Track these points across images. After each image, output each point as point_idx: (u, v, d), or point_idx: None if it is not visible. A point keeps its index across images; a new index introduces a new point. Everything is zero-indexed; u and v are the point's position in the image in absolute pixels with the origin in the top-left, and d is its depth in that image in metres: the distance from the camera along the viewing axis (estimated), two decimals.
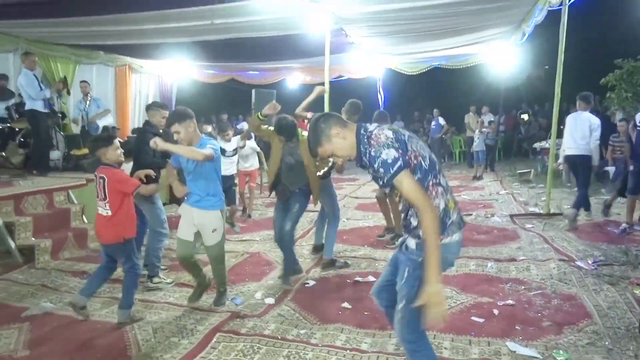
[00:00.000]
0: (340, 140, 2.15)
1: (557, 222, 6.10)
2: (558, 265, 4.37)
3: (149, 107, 4.63)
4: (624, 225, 5.50)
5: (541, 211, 6.66)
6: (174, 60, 10.70)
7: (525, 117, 15.07)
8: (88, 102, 7.71)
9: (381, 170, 1.99)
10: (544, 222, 6.12)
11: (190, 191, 3.68)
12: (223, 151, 5.88)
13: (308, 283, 4.31)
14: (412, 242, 2.17)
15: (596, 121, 5.75)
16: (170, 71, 11.82)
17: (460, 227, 2.23)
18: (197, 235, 3.72)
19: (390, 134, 2.06)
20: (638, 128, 5.50)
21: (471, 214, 6.83)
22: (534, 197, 7.87)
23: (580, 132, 5.76)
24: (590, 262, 4.43)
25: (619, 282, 3.94)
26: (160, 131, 4.48)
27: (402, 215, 2.28)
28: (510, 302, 3.69)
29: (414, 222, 2.15)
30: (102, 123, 7.90)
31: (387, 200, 5.59)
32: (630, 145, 5.85)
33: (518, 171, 10.30)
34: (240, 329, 3.38)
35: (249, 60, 11.15)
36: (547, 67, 14.75)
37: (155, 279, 4.37)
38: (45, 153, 7.09)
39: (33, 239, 5.13)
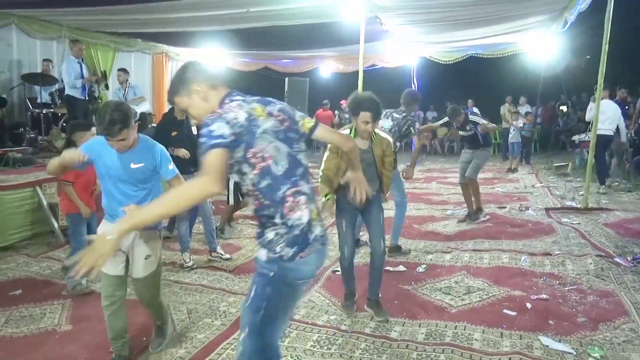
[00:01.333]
0: (198, 100, 1.90)
1: (595, 217, 5.92)
2: (595, 261, 4.26)
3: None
4: None
5: (578, 205, 6.47)
6: (210, 48, 10.84)
7: (564, 108, 14.59)
8: (126, 89, 7.90)
9: (203, 139, 1.66)
10: (582, 217, 5.96)
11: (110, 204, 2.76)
12: None
13: (338, 270, 4.33)
14: (262, 254, 1.84)
15: None
16: (206, 59, 11.97)
17: (323, 244, 1.91)
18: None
19: (241, 116, 1.74)
20: None
21: (505, 207, 6.70)
22: (571, 191, 7.65)
23: None
24: (629, 258, 4.29)
25: None
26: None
27: (257, 223, 1.91)
28: (544, 296, 3.62)
29: (268, 235, 1.82)
30: (139, 109, 8.09)
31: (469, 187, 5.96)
32: None
33: (555, 164, 10.01)
34: None
35: (282, 49, 11.19)
36: (588, 57, 14.22)
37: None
38: None
39: None
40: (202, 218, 4.84)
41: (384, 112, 4.93)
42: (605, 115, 7.37)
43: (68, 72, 7.17)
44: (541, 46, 9.73)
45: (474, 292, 3.76)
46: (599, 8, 6.26)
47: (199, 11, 7.00)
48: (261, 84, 15.52)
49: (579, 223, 5.64)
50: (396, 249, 4.79)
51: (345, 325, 3.26)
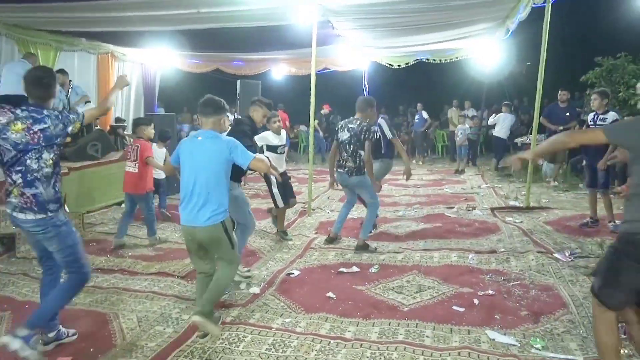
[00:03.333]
0: None
1: (537, 216, 6.25)
2: (536, 257, 4.49)
3: (253, 102, 4.52)
4: (587, 219, 5.64)
5: (521, 205, 6.80)
6: (158, 49, 10.57)
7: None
8: (68, 90, 7.56)
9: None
10: (524, 215, 6.26)
11: None
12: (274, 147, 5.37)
13: (293, 273, 4.35)
14: None
15: None
16: (154, 60, 11.67)
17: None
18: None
19: None
20: (590, 127, 5.62)
21: (453, 207, 6.94)
22: (514, 191, 8.02)
23: None
24: (567, 254, 4.56)
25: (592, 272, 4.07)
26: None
27: None
28: (490, 292, 3.78)
29: None
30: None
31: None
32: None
33: (499, 166, 10.46)
34: (225, 317, 3.41)
35: (234, 51, 11.09)
36: (529, 63, 14.95)
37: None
38: None
39: (14, 227, 5.04)
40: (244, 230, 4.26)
41: (340, 124, 5.07)
42: (501, 125, 10.69)
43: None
44: (486, 53, 10.15)
45: (425, 290, 3.87)
46: (538, 18, 6.63)
47: (147, 10, 6.81)
48: (213, 86, 15.29)
49: (521, 221, 5.93)
50: (363, 247, 4.92)
51: (300, 327, 3.27)
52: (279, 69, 12.62)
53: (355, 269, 4.45)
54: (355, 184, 4.96)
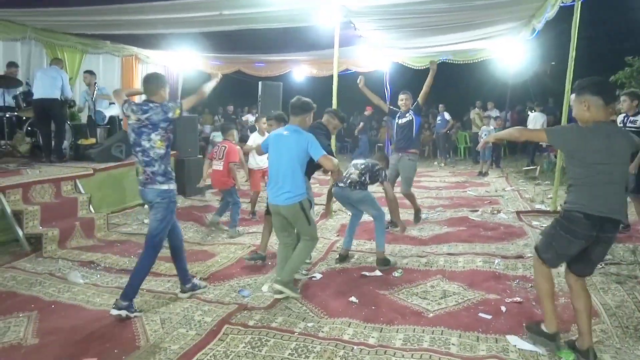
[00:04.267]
0: None
1: None
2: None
3: (327, 112, 4.69)
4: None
5: (548, 208, 6.64)
6: (181, 51, 10.69)
7: (530, 113, 14.98)
8: (94, 91, 7.68)
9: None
10: (551, 219, 6.09)
11: None
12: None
13: (315, 277, 4.31)
14: None
15: None
16: (176, 62, 11.80)
17: None
18: None
19: None
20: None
21: (477, 210, 6.81)
22: (540, 194, 7.85)
23: None
24: None
25: (627, 281, 3.94)
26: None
27: None
28: (517, 299, 3.69)
29: None
30: (108, 113, 7.91)
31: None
32: None
33: (524, 168, 10.27)
34: (247, 321, 3.40)
35: (255, 52, 11.13)
36: (553, 63, 14.66)
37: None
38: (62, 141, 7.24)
39: (41, 227, 5.15)
40: None
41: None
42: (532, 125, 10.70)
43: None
44: (510, 53, 9.99)
45: (450, 296, 3.79)
46: (564, 17, 6.47)
47: (171, 13, 6.89)
48: (234, 87, 15.43)
49: None
50: (384, 262, 4.54)
51: (323, 332, 3.23)
52: (300, 70, 12.63)
53: (378, 272, 4.39)
54: (358, 200, 4.64)
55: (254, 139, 6.39)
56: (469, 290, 3.89)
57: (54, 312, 3.61)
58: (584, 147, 2.72)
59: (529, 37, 8.15)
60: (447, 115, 13.35)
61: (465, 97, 14.80)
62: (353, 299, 3.77)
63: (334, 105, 6.83)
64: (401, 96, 6.09)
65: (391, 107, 6.56)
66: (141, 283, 3.68)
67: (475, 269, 4.37)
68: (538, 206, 6.96)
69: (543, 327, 3.00)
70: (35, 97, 6.84)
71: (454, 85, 14.91)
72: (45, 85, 6.86)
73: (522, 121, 15.57)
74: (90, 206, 5.95)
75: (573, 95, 2.86)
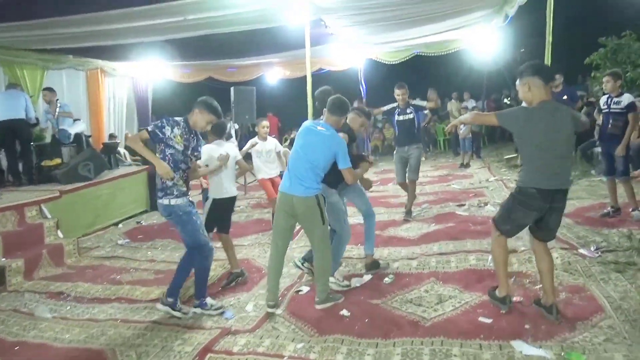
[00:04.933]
0: None
1: None
2: (561, 255, 4.20)
3: (352, 110, 4.27)
4: (608, 208, 5.33)
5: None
6: (148, 61, 10.33)
7: (507, 101, 14.99)
8: (56, 109, 7.28)
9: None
10: None
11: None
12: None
13: (301, 290, 4.06)
14: None
15: None
16: (144, 72, 11.42)
17: None
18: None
19: None
20: (603, 111, 5.33)
21: (464, 204, 6.64)
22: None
23: None
24: (592, 249, 4.26)
25: (627, 269, 3.77)
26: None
27: None
28: (517, 298, 3.49)
29: None
30: (73, 130, 7.51)
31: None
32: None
33: (505, 157, 10.17)
34: (232, 347, 3.13)
35: (225, 57, 10.83)
36: (522, 50, 14.68)
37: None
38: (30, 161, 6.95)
39: (3, 259, 4.78)
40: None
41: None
42: None
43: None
44: (482, 41, 9.89)
45: (446, 300, 3.58)
46: (534, 2, 6.36)
47: (133, 21, 6.56)
48: (206, 94, 15.03)
49: None
50: (373, 265, 4.35)
51: (314, 353, 2.98)
52: (273, 73, 12.37)
53: (366, 277, 4.16)
54: (351, 191, 4.39)
55: (253, 144, 5.94)
56: (465, 292, 3.68)
57: (18, 354, 3.29)
58: (531, 127, 2.95)
59: (502, 24, 8.04)
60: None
61: (440, 89, 14.65)
62: (344, 312, 3.53)
63: (309, 107, 6.60)
64: (397, 91, 5.96)
65: (386, 107, 6.29)
66: (183, 281, 3.76)
67: (469, 268, 4.17)
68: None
69: (497, 292, 3.37)
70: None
71: (429, 78, 14.77)
72: (9, 107, 6.62)
73: (498, 109, 15.61)
74: (59, 231, 5.58)
75: (517, 81, 3.09)
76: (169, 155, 3.49)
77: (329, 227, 3.76)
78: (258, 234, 6.10)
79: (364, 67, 12.18)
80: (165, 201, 3.54)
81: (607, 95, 5.20)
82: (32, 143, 7.10)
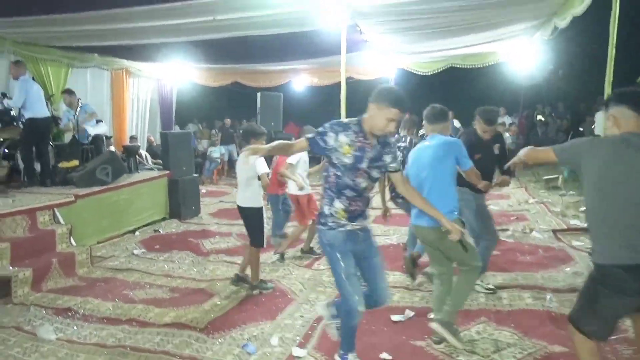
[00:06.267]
0: None
1: None
2: None
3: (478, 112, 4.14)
4: None
5: (586, 225, 5.94)
6: (174, 63, 10.05)
7: (541, 118, 14.35)
8: (77, 109, 6.99)
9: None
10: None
11: None
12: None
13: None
14: None
15: None
16: (170, 74, 11.17)
17: None
18: None
19: None
20: None
21: (507, 230, 6.08)
22: (569, 207, 7.15)
23: None
24: None
25: None
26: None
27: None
28: None
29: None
30: (94, 131, 7.22)
31: None
32: None
33: (544, 177, 9.56)
34: None
35: (253, 62, 10.49)
36: (561, 71, 14.06)
37: None
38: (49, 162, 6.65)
39: (10, 268, 4.43)
40: None
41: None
42: None
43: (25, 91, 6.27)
44: (523, 55, 9.38)
45: (504, 349, 3.08)
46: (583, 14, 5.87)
47: (159, 20, 6.24)
48: (231, 99, 14.82)
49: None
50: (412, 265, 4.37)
51: None
52: (300, 80, 12.00)
53: (409, 313, 3.68)
54: None
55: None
56: (526, 340, 3.17)
57: None
58: (606, 164, 2.12)
59: (549, 37, 7.52)
60: (456, 123, 12.65)
61: (474, 103, 14.12)
62: (385, 355, 3.06)
63: (342, 115, 6.20)
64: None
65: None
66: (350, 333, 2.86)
67: (526, 309, 3.67)
68: (573, 222, 6.26)
69: None
70: (28, 116, 6.23)
71: (463, 91, 14.26)
72: (43, 103, 6.41)
73: (530, 127, 14.97)
74: (71, 238, 5.24)
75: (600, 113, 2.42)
76: (332, 176, 2.63)
77: (475, 251, 3.41)
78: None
79: (395, 77, 11.72)
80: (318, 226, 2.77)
81: None
82: (51, 143, 6.83)
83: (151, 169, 8.70)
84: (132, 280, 4.74)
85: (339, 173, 2.58)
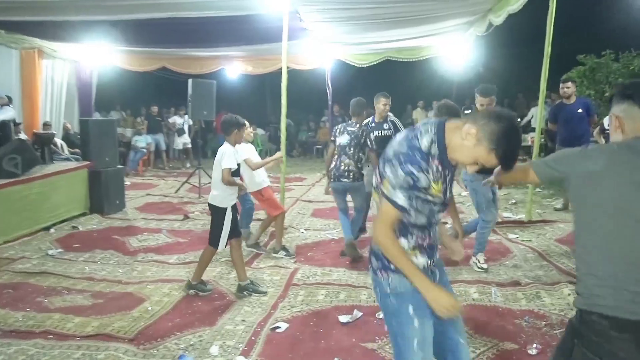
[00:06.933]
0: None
1: (541, 231, 5.57)
2: (572, 292, 3.73)
3: None
4: None
5: (518, 217, 6.15)
6: (95, 44, 9.19)
7: (467, 113, 14.91)
8: None
9: None
10: (527, 231, 5.58)
11: None
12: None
13: (279, 327, 3.35)
14: None
15: None
16: (89, 57, 10.24)
17: None
18: None
19: None
20: (606, 132, 5.04)
21: (446, 223, 6.12)
22: (500, 199, 7.36)
23: None
24: None
25: None
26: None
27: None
28: (536, 346, 2.97)
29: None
30: (0, 117, 6.40)
31: None
32: None
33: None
34: None
35: (183, 47, 9.87)
36: (481, 68, 14.64)
37: None
38: None
39: None
40: None
41: (338, 128, 4.99)
42: None
43: None
44: (456, 50, 9.60)
45: None
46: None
47: None
48: (159, 86, 13.99)
49: (530, 240, 5.21)
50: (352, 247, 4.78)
51: None
52: (234, 68, 11.49)
53: (357, 314, 3.52)
54: (357, 188, 4.89)
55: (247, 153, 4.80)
56: (477, 337, 3.12)
57: None
58: (608, 182, 1.53)
59: (483, 33, 7.69)
60: (392, 117, 12.82)
61: (407, 96, 14.37)
62: None
63: (283, 107, 5.96)
64: (383, 100, 5.36)
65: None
66: None
67: (473, 304, 3.63)
68: (506, 215, 6.45)
69: None
70: None
71: (396, 84, 14.44)
72: None
73: None
74: None
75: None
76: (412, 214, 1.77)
77: None
78: None
79: (331, 68, 11.58)
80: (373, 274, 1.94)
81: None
82: None
83: (68, 159, 7.92)
84: (46, 285, 4.19)
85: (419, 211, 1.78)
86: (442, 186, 1.74)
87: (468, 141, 1.64)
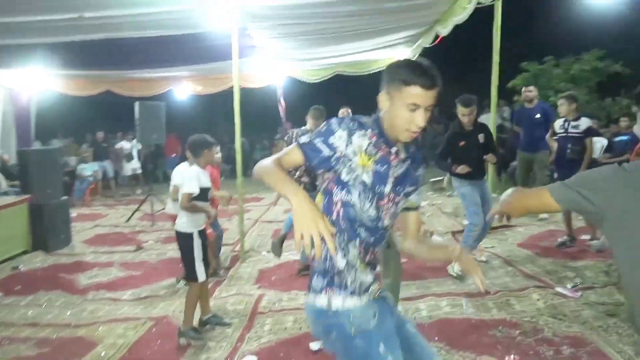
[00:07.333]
0: None
1: (502, 237, 5.62)
2: (541, 295, 3.74)
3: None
4: (564, 237, 5.09)
5: None
6: (31, 69, 8.69)
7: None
8: None
9: None
10: (489, 237, 5.60)
11: None
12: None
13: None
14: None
15: None
16: (26, 82, 9.67)
17: None
18: None
19: None
20: (560, 136, 5.16)
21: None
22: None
23: None
24: (569, 286, 3.87)
25: (618, 312, 3.38)
26: None
27: None
28: (513, 357, 2.91)
29: None
30: None
31: None
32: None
33: (430, 180, 9.98)
34: None
35: (128, 68, 9.50)
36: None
37: None
38: None
39: None
40: None
41: (295, 132, 5.08)
42: None
43: None
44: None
45: None
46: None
47: (14, 15, 5.22)
48: (104, 110, 13.44)
49: (493, 246, 5.24)
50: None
51: None
52: (182, 88, 11.18)
53: (314, 346, 3.34)
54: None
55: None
56: (454, 353, 3.02)
57: None
58: None
59: (430, 44, 7.83)
60: None
61: (360, 110, 14.47)
62: None
63: (237, 126, 5.79)
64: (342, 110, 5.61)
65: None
66: None
67: (446, 318, 3.55)
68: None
69: None
70: None
71: (348, 99, 14.53)
72: None
73: None
74: None
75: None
76: (337, 204, 1.61)
77: None
78: (174, 278, 4.97)
79: (283, 85, 11.50)
80: (318, 299, 1.65)
81: (563, 119, 4.99)
82: None
83: (5, 194, 7.37)
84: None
85: (349, 198, 1.60)
86: (375, 165, 1.57)
87: (385, 104, 1.57)
